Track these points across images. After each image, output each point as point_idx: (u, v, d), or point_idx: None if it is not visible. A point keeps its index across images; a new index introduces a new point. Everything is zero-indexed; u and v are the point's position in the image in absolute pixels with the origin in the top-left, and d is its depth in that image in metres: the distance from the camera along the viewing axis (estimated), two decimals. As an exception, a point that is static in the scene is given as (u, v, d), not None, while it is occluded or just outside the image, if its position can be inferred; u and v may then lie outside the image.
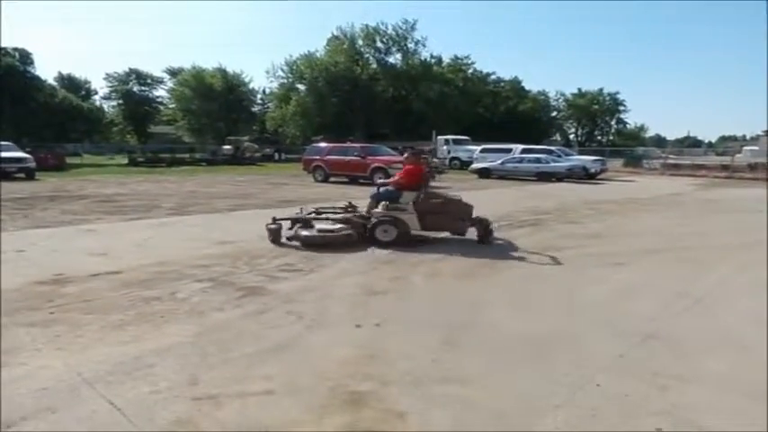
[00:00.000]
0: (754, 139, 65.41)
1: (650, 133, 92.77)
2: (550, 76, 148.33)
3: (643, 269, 6.20)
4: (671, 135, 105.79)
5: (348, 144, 22.75)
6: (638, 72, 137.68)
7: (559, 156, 25.96)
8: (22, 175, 20.53)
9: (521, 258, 6.70)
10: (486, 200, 13.70)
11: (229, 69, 55.24)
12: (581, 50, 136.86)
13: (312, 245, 7.00)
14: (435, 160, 29.07)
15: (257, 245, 7.32)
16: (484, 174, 24.86)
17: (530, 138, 45.23)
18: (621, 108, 75.55)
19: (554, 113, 75.58)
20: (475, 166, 26.36)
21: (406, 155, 8.33)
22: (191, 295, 4.88)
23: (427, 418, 2.67)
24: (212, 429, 2.52)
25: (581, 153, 35.43)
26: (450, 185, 20.05)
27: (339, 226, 7.37)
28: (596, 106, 74.14)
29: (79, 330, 3.91)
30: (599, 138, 76.09)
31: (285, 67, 53.35)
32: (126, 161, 32.86)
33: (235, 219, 10.17)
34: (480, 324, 4.16)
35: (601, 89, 74.10)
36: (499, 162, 25.18)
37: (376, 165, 19.21)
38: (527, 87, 69.26)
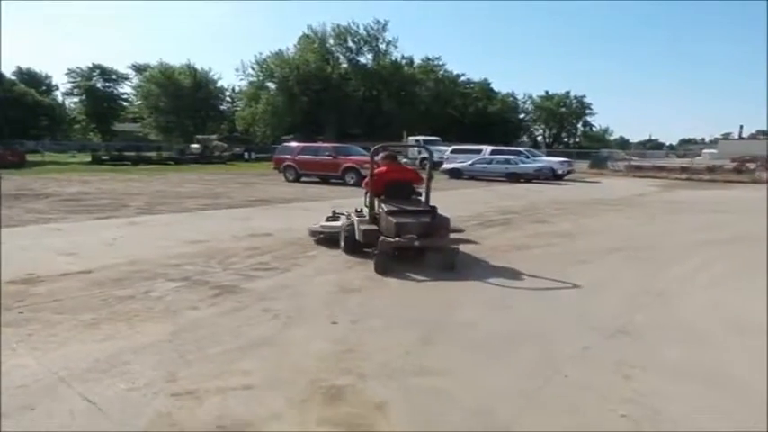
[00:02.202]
0: (713, 143, 67.95)
1: (614, 136, 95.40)
2: (519, 79, 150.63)
3: (607, 268, 6.42)
4: (634, 137, 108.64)
5: (320, 144, 22.75)
6: (604, 76, 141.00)
7: (528, 157, 26.52)
8: (-19, 172, 19.88)
9: (490, 257, 6.84)
10: (456, 200, 13.90)
11: (198, 66, 54.46)
12: (548, 53, 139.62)
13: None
14: (406, 160, 29.45)
15: (229, 244, 7.31)
16: (455, 174, 25.14)
17: (499, 139, 46.03)
18: (588, 111, 77.58)
19: (522, 115, 76.98)
20: (446, 166, 26.62)
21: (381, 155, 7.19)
22: (164, 294, 4.87)
23: (404, 408, 2.76)
24: (193, 426, 2.55)
25: (549, 154, 36.19)
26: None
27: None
28: (563, 109, 75.91)
29: (52, 329, 3.87)
30: (566, 140, 77.85)
31: (255, 66, 52.86)
32: (89, 159, 32.06)
33: (205, 218, 10.09)
34: (451, 321, 4.27)
35: (568, 92, 76.03)
36: (469, 163, 25.52)
37: (348, 165, 19.26)
38: (496, 89, 70.36)
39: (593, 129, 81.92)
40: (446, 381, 3.12)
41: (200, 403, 2.78)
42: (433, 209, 6.29)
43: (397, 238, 5.72)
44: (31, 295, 4.71)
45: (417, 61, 59.45)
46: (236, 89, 59.51)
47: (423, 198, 6.61)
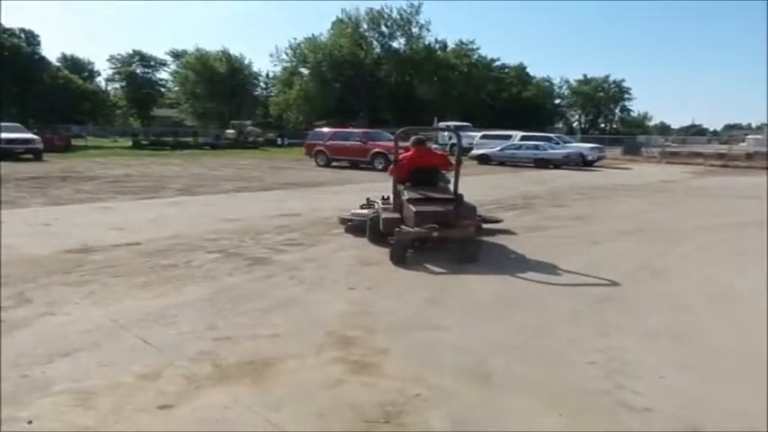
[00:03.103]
0: (759, 128, 65.44)
1: (655, 121, 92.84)
2: (555, 63, 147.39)
3: (614, 248, 6.76)
4: (676, 123, 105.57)
5: (349, 129, 23.25)
6: (645, 59, 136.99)
7: (557, 143, 26.44)
8: (30, 156, 21.05)
9: (505, 236, 7.24)
10: (482, 185, 14.24)
11: (233, 52, 55.46)
12: (587, 36, 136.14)
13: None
14: (435, 146, 29.67)
15: (261, 222, 7.90)
16: (483, 160, 25.33)
17: (533, 125, 45.35)
18: (626, 96, 75.28)
19: (558, 100, 75.39)
20: (474, 152, 26.81)
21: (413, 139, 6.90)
22: (204, 263, 5.47)
23: (405, 353, 3.26)
24: (230, 361, 3.10)
25: (583, 141, 35.85)
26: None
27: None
28: (601, 93, 73.73)
29: (110, 289, 4.50)
30: (602, 125, 76.01)
31: (289, 51, 53.49)
32: (130, 144, 33.41)
33: (240, 199, 10.74)
34: (458, 287, 4.74)
35: (606, 76, 73.64)
36: (498, 149, 25.64)
37: (376, 150, 19.72)
38: (531, 74, 69.03)
39: (632, 114, 79.79)
40: (445, 334, 3.60)
41: (235, 345, 3.33)
42: (458, 197, 5.99)
43: (416, 228, 5.47)
44: (89, 262, 5.38)
45: (451, 45, 59.03)
46: (271, 75, 60.49)
47: (452, 185, 6.31)
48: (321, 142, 21.50)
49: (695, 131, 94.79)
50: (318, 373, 2.97)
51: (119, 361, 3.05)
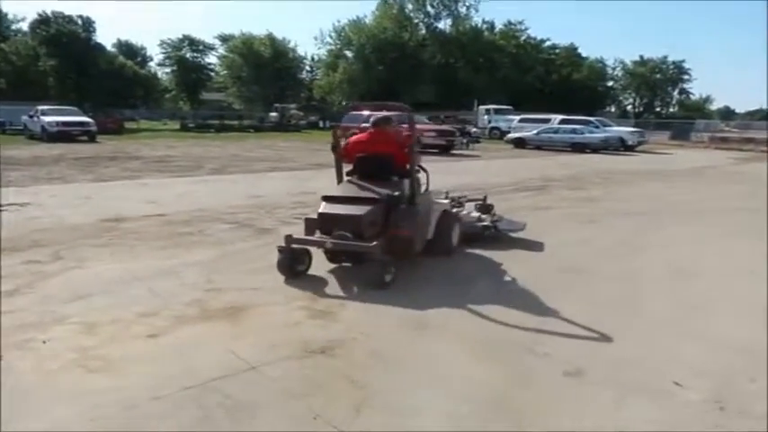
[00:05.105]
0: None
1: (718, 105, 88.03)
2: (611, 43, 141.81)
3: (609, 226, 7.02)
4: (741, 107, 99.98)
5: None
6: (709, 37, 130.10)
7: (597, 126, 25.97)
8: (85, 137, 22.59)
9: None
10: (506, 168, 14.51)
11: (279, 36, 56.47)
12: (646, 12, 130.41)
13: None
14: (475, 129, 29.64)
15: (280, 199, 8.52)
16: (519, 144, 25.27)
17: (583, 108, 44.01)
18: (686, 77, 71.46)
19: (611, 83, 72.15)
20: (510, 135, 26.77)
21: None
22: (217, 232, 6.13)
23: (361, 306, 3.77)
24: (213, 305, 3.69)
25: (637, 125, 34.95)
26: (480, 154, 20.76)
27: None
28: (658, 75, 70.06)
29: (132, 250, 5.21)
30: (658, 109, 72.76)
31: (333, 34, 54.07)
32: (178, 126, 34.97)
33: (268, 179, 11.43)
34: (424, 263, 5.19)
35: (665, 57, 69.99)
36: (534, 132, 25.50)
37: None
38: (584, 55, 66.52)
39: (691, 97, 75.62)
40: (404, 299, 4.08)
41: (223, 295, 3.94)
42: (393, 198, 4.45)
43: (314, 236, 4.42)
44: (118, 229, 6.13)
45: (499, 26, 57.99)
46: (315, 58, 61.29)
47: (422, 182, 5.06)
48: (355, 126, 21.97)
49: (762, 116, 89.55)
50: (283, 316, 3.54)
51: (124, 303, 3.70)
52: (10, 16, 50.82)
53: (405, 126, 5.43)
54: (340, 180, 5.03)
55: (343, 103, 51.63)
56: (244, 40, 55.08)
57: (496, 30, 57.43)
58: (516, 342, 3.22)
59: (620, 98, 75.00)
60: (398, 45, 50.94)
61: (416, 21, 54.36)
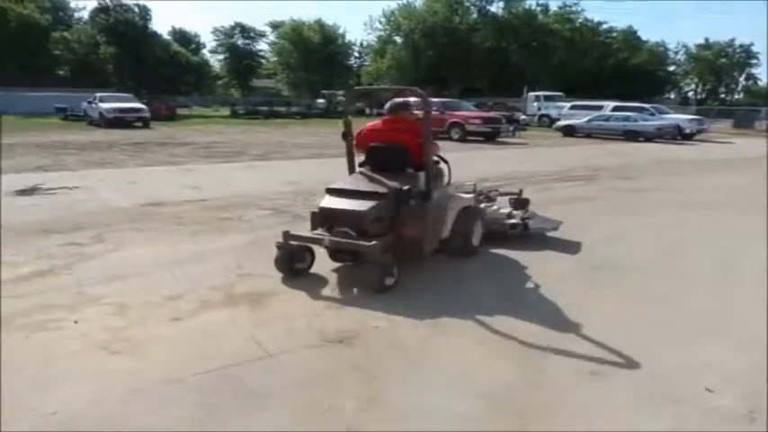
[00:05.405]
0: None
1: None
2: (673, 25, 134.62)
3: (655, 219, 6.70)
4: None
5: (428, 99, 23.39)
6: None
7: (652, 114, 24.86)
8: (140, 123, 23.43)
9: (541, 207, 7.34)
10: (554, 156, 14.12)
11: (329, 22, 56.73)
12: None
13: None
14: (524, 117, 28.98)
15: (317, 186, 8.51)
16: (568, 131, 24.51)
17: (641, 94, 42.21)
18: (753, 62, 67.19)
19: (672, 67, 68.61)
20: (560, 123, 26.00)
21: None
22: (253, 218, 6.22)
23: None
24: (240, 290, 3.74)
25: (698, 113, 33.32)
26: (527, 142, 20.30)
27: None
28: (724, 60, 66.26)
29: (168, 235, 5.34)
30: (723, 95, 68.84)
31: (383, 19, 53.85)
32: (228, 113, 35.74)
33: (309, 165, 11.52)
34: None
35: (731, 40, 65.96)
36: (585, 120, 24.65)
37: (453, 120, 19.86)
38: (644, 38, 63.47)
39: (759, 83, 70.85)
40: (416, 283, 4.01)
41: (249, 280, 3.98)
42: (401, 192, 3.99)
43: (309, 233, 4.14)
44: (159, 213, 6.30)
45: (553, 8, 56.21)
46: (364, 44, 61.25)
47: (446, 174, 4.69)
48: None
49: None
50: (304, 305, 3.53)
51: (154, 286, 3.79)
52: (72, 5, 53.23)
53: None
54: (351, 171, 4.68)
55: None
56: (294, 26, 55.65)
57: (550, 12, 55.69)
58: (536, 342, 3.10)
59: (682, 84, 71.35)
60: (449, 29, 50.22)
61: (467, 4, 53.39)
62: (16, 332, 3.01)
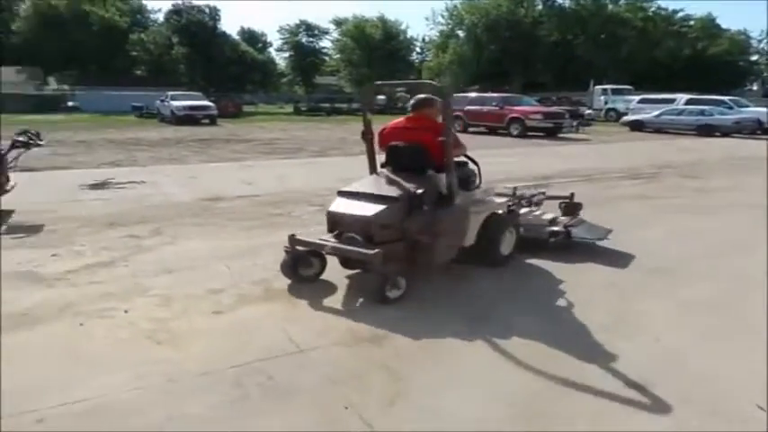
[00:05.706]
0: None
1: None
2: (757, 12, 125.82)
3: (725, 222, 6.31)
4: None
5: (488, 94, 23.09)
6: None
7: (730, 107, 23.31)
8: (207, 120, 24.45)
9: (598, 204, 7.07)
10: (619, 153, 13.59)
11: (390, 17, 56.87)
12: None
13: None
14: (589, 111, 27.92)
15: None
16: (635, 126, 23.53)
17: (718, 87, 39.59)
18: None
19: (755, 57, 63.78)
20: (627, 118, 24.96)
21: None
22: (303, 214, 6.37)
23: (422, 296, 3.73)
24: (280, 285, 3.85)
25: None
26: (590, 138, 19.62)
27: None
28: None
29: (221, 229, 5.58)
30: (814, 86, 63.34)
31: (445, 13, 53.38)
32: (292, 110, 36.62)
33: (364, 162, 11.59)
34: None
35: (823, 25, 60.69)
36: (654, 114, 23.52)
37: (513, 115, 19.47)
38: (724, 26, 59.41)
39: None
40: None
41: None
42: (414, 196, 3.72)
43: (321, 238, 3.88)
44: (215, 208, 6.58)
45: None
46: (426, 39, 60.95)
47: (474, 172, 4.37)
48: (458, 108, 21.68)
49: None
50: (339, 303, 3.59)
51: (200, 280, 3.97)
52: (149, 7, 56.04)
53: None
54: (372, 172, 4.48)
55: (453, 85, 51.02)
56: (356, 23, 56.13)
57: (621, 1, 53.12)
58: (571, 349, 3.01)
59: (766, 74, 66.35)
60: (513, 22, 49.07)
61: (534, -5, 51.95)
62: (73, 319, 3.25)
